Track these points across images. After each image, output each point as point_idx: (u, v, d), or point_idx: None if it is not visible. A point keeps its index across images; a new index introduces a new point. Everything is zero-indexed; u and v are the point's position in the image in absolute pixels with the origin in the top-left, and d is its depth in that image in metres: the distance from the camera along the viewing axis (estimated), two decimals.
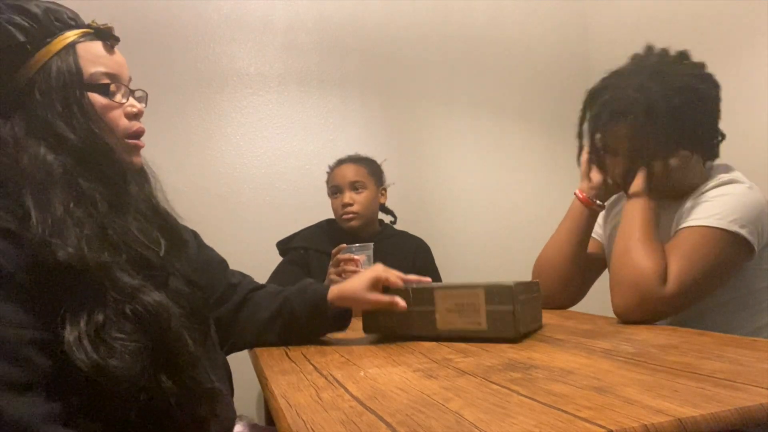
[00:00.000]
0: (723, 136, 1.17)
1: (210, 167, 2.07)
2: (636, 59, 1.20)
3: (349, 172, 1.71)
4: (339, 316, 1.05)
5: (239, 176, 2.11)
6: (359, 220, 1.70)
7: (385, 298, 1.01)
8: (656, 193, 1.13)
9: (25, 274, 0.65)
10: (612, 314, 1.08)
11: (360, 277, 1.05)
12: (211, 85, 2.09)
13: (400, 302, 1.00)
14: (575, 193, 1.29)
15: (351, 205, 1.68)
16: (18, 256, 0.65)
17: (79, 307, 0.67)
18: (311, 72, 2.21)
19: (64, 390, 0.65)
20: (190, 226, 1.02)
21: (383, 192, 1.79)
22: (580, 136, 1.25)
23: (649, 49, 1.20)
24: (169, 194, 0.91)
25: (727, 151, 1.19)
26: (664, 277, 1.01)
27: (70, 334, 0.64)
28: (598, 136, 1.19)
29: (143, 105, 0.88)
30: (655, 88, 1.09)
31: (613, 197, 1.35)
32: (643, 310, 1.02)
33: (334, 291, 1.04)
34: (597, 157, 1.21)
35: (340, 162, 1.76)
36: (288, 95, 2.18)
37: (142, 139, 0.87)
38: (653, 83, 1.09)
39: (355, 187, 1.69)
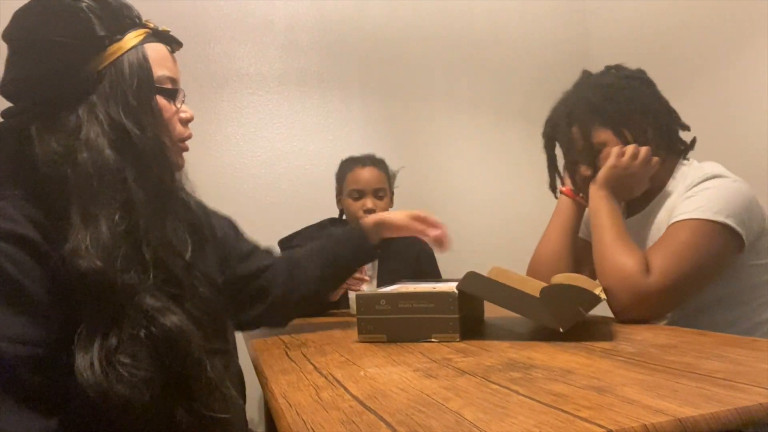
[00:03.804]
0: (685, 128, 1.22)
1: (210, 167, 2.07)
2: (577, 81, 1.33)
3: (374, 179, 1.70)
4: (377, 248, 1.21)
5: (239, 176, 2.11)
6: None
7: (418, 226, 1.21)
8: (611, 188, 1.17)
9: (40, 288, 0.63)
10: (612, 314, 1.08)
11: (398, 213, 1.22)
12: (210, 85, 2.09)
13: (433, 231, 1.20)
14: (560, 190, 1.34)
15: (374, 211, 1.66)
16: (33, 268, 0.64)
17: (95, 328, 0.64)
18: (311, 72, 2.21)
19: (63, 408, 0.63)
20: None
21: (391, 196, 1.80)
22: (551, 167, 1.34)
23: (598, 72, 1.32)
24: None
25: (727, 152, 1.19)
26: (645, 269, 1.02)
27: (83, 357, 0.62)
28: (562, 145, 1.29)
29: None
30: (585, 88, 1.26)
31: None
32: (637, 306, 1.02)
33: (373, 229, 1.19)
34: (570, 163, 1.29)
35: (362, 164, 1.73)
36: (288, 95, 2.18)
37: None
38: (582, 88, 1.28)
39: (378, 194, 1.70)
